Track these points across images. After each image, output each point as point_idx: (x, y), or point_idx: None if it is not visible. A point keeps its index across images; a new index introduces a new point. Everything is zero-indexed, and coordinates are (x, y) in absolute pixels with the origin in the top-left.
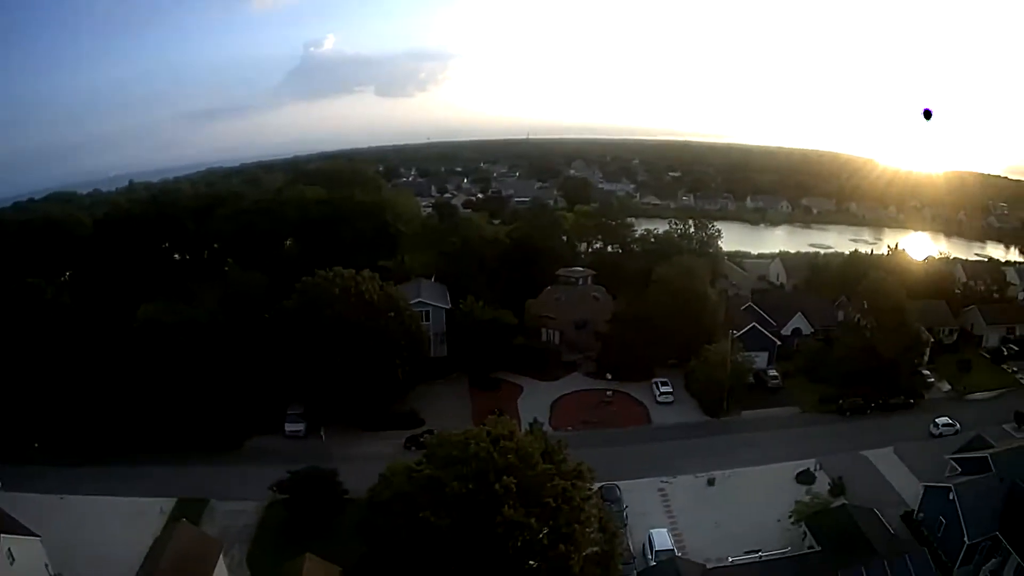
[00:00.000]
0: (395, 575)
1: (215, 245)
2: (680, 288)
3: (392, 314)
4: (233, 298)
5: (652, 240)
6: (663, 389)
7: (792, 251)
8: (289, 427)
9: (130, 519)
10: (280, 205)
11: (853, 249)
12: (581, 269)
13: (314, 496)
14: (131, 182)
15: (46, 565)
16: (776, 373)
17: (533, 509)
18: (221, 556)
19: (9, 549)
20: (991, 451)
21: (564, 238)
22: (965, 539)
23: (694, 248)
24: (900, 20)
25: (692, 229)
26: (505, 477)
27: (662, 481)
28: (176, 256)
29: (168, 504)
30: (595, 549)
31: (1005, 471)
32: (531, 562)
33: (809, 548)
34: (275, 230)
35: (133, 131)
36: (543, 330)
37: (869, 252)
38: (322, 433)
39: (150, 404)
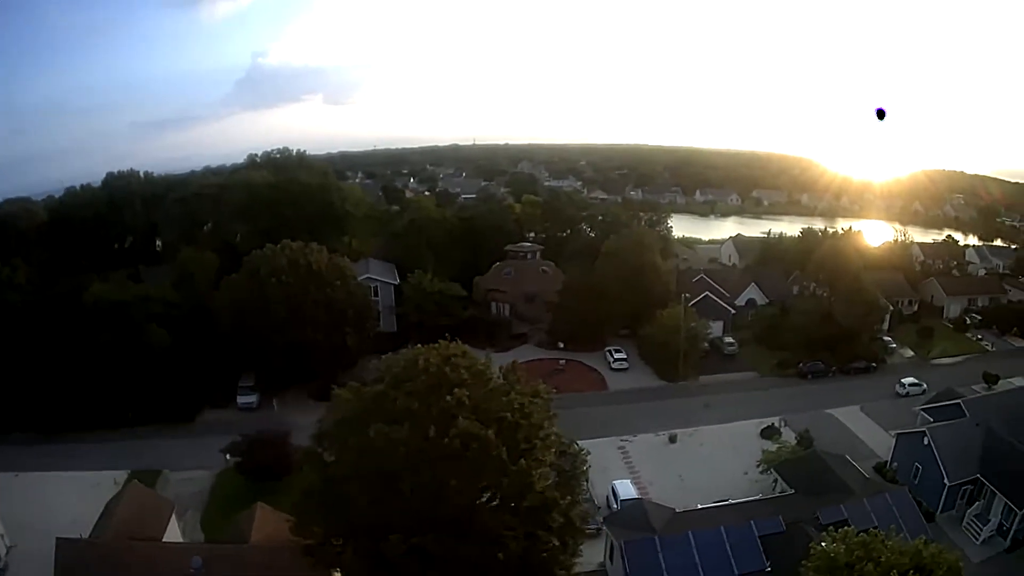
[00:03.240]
0: (343, 502)
1: (166, 230)
2: (630, 257)
3: (339, 282)
4: (184, 278)
5: (600, 218)
6: (617, 356)
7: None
8: (241, 399)
9: (84, 491)
10: (227, 190)
11: (806, 227)
12: (529, 244)
13: (265, 457)
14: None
15: (1, 536)
16: (732, 340)
17: (489, 424)
18: (174, 516)
19: None
20: (963, 399)
21: (514, 219)
22: (945, 481)
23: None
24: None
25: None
26: (457, 390)
27: (622, 440)
28: (128, 240)
29: (122, 476)
30: (558, 468)
31: (980, 417)
32: (490, 478)
33: (781, 493)
34: (224, 213)
35: (82, 143)
36: (493, 304)
37: (823, 230)
38: (275, 404)
39: (102, 381)
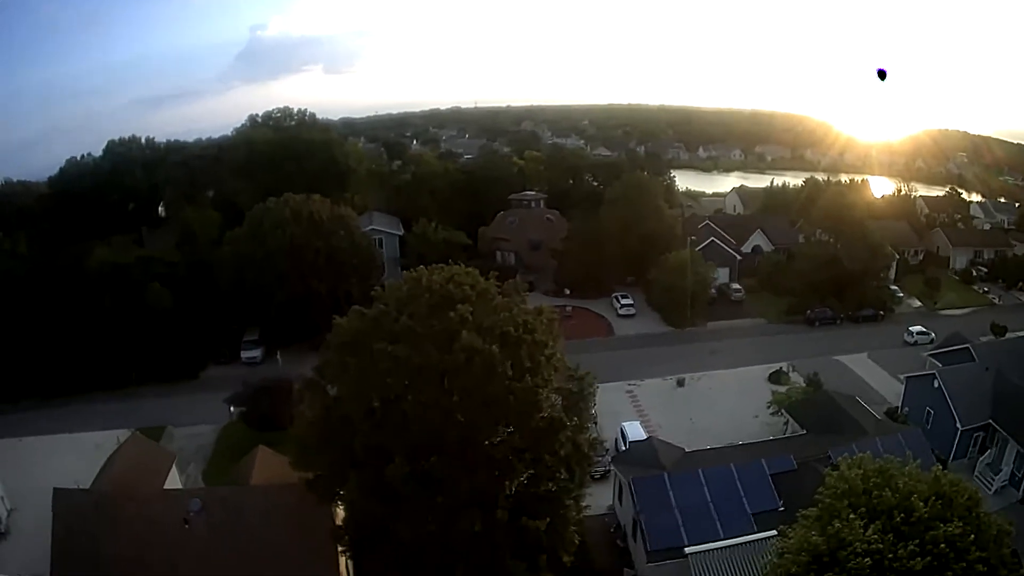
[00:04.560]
0: (345, 428)
1: (168, 192)
2: (634, 203)
3: (342, 232)
4: (187, 237)
5: (604, 166)
6: (623, 302)
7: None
8: (245, 354)
9: (87, 452)
10: (227, 150)
11: (809, 175)
12: (533, 193)
13: (269, 405)
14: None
15: (2, 499)
16: (739, 287)
17: (493, 340)
18: (175, 468)
19: None
20: (972, 344)
21: (516, 171)
22: (958, 425)
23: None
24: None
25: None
26: (460, 306)
27: (629, 384)
28: (131, 206)
29: (125, 435)
30: (564, 391)
31: (989, 361)
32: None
33: (792, 434)
34: (225, 173)
35: (83, 124)
36: (498, 252)
37: (827, 179)
38: (279, 357)
39: (105, 343)
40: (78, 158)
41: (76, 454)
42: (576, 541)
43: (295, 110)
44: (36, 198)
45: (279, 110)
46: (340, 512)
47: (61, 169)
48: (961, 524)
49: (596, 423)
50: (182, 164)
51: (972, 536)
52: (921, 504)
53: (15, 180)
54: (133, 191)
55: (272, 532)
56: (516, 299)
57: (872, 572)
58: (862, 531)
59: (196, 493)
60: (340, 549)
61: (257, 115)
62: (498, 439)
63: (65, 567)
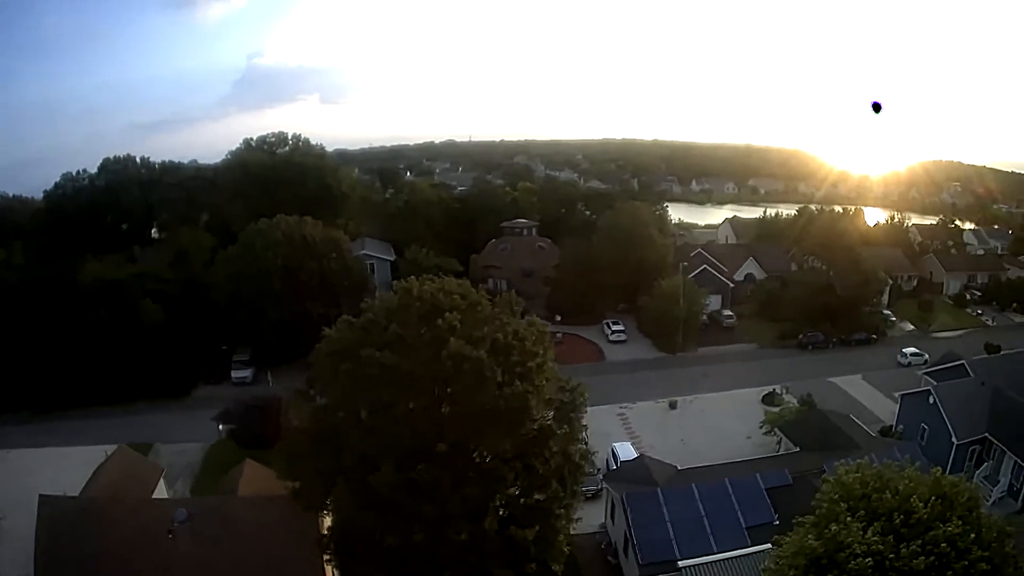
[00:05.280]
0: (333, 436)
1: (162, 213)
2: (626, 231)
3: (335, 255)
4: (180, 257)
5: (596, 195)
6: (615, 328)
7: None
8: (236, 374)
9: (75, 466)
10: (222, 172)
11: (803, 206)
12: (525, 221)
13: (258, 424)
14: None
15: None
16: (731, 313)
17: (482, 347)
18: (163, 482)
19: None
20: (967, 360)
21: (510, 201)
22: (953, 439)
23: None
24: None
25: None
26: (448, 314)
27: (621, 407)
28: (125, 226)
29: (113, 450)
30: (556, 402)
31: (985, 377)
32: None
33: (786, 451)
34: (220, 195)
35: (79, 145)
36: (489, 279)
37: (820, 208)
38: (269, 378)
39: (96, 358)
40: (74, 174)
41: (64, 467)
42: (566, 551)
43: (289, 135)
44: (32, 213)
45: (273, 135)
46: (327, 521)
47: (56, 184)
48: (962, 524)
49: (587, 442)
50: (177, 185)
51: (973, 535)
52: (921, 505)
53: (11, 195)
54: (127, 210)
55: (258, 542)
56: (507, 312)
57: (873, 573)
58: (861, 533)
59: (182, 503)
60: (326, 558)
61: (251, 139)
62: (487, 447)
63: (48, 572)
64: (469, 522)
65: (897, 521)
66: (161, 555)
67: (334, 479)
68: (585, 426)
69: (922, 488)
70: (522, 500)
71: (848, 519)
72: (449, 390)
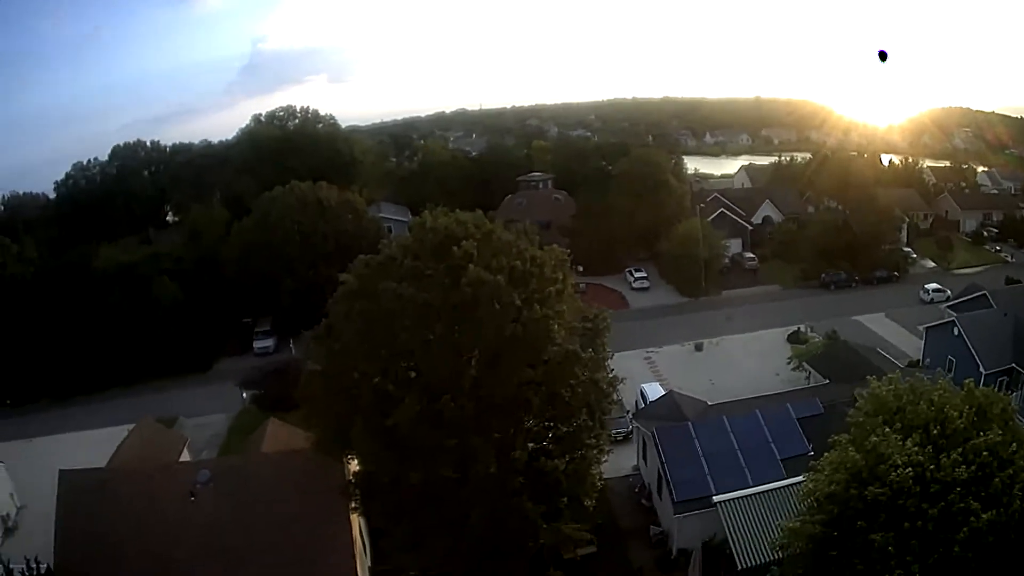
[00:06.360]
0: (351, 374)
1: (174, 192)
2: (642, 176)
3: (350, 216)
4: (194, 235)
5: (610, 146)
6: (637, 275)
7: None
8: (258, 344)
9: (98, 446)
10: (233, 147)
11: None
12: (540, 174)
13: (282, 386)
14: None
15: (11, 495)
16: (753, 256)
17: (500, 273)
18: (187, 452)
19: None
20: (989, 291)
21: (524, 155)
22: (981, 370)
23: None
24: None
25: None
26: (465, 242)
27: (647, 351)
28: (137, 210)
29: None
30: (579, 329)
31: (1008, 308)
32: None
33: (816, 384)
34: (231, 171)
35: (86, 146)
36: None
37: (835, 150)
38: (292, 347)
39: (115, 341)
40: (84, 163)
41: (87, 449)
42: (599, 485)
43: (298, 107)
44: (43, 205)
45: (283, 109)
46: (353, 469)
47: (68, 174)
48: (1001, 432)
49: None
50: (187, 165)
51: (1014, 444)
52: (956, 415)
53: (21, 193)
54: (139, 194)
55: (282, 496)
56: (524, 240)
57: (914, 484)
58: (900, 444)
59: (204, 464)
60: (352, 506)
61: (261, 115)
62: (511, 374)
63: (69, 547)
64: (496, 454)
65: (935, 432)
66: (183, 518)
67: (353, 420)
68: (611, 352)
69: (956, 399)
70: (551, 432)
71: (886, 431)
72: (468, 317)
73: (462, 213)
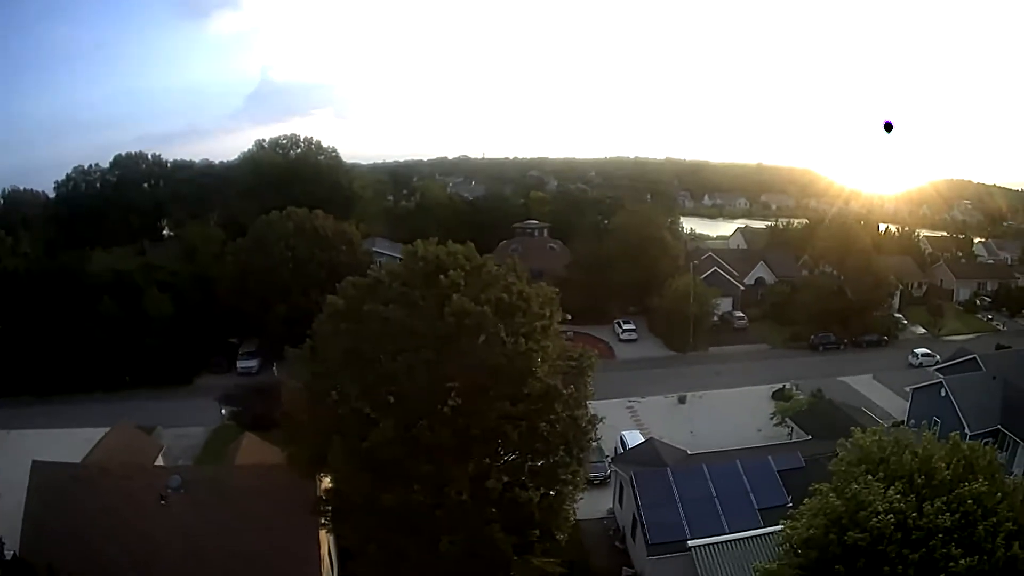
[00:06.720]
0: (333, 394)
1: (173, 209)
2: (637, 232)
3: (345, 248)
4: (189, 252)
5: (608, 200)
6: (625, 327)
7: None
8: (241, 364)
9: (75, 444)
10: (234, 170)
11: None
12: (536, 222)
13: (261, 406)
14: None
15: None
16: (743, 315)
17: (486, 305)
18: (161, 458)
19: None
20: (979, 355)
21: (521, 204)
22: (967, 431)
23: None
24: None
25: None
26: (452, 272)
27: (630, 401)
28: (134, 221)
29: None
30: (563, 368)
31: (998, 371)
32: (489, 360)
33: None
34: (230, 193)
35: (89, 156)
36: None
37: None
38: (275, 369)
39: (101, 345)
40: (85, 167)
41: (63, 447)
42: (572, 520)
43: (301, 137)
44: (43, 204)
45: (286, 137)
46: (324, 486)
47: (68, 176)
48: (986, 483)
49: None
50: (188, 181)
51: (999, 495)
52: (943, 466)
53: (22, 188)
54: (137, 205)
55: (252, 508)
56: (512, 275)
57: (895, 532)
58: (882, 492)
59: (177, 470)
60: (321, 523)
61: (264, 140)
62: (490, 406)
63: (36, 537)
64: (470, 483)
65: (919, 481)
66: (153, 521)
67: (330, 439)
68: (592, 391)
69: (942, 451)
70: (527, 464)
71: (868, 479)
72: (452, 348)
73: (454, 244)
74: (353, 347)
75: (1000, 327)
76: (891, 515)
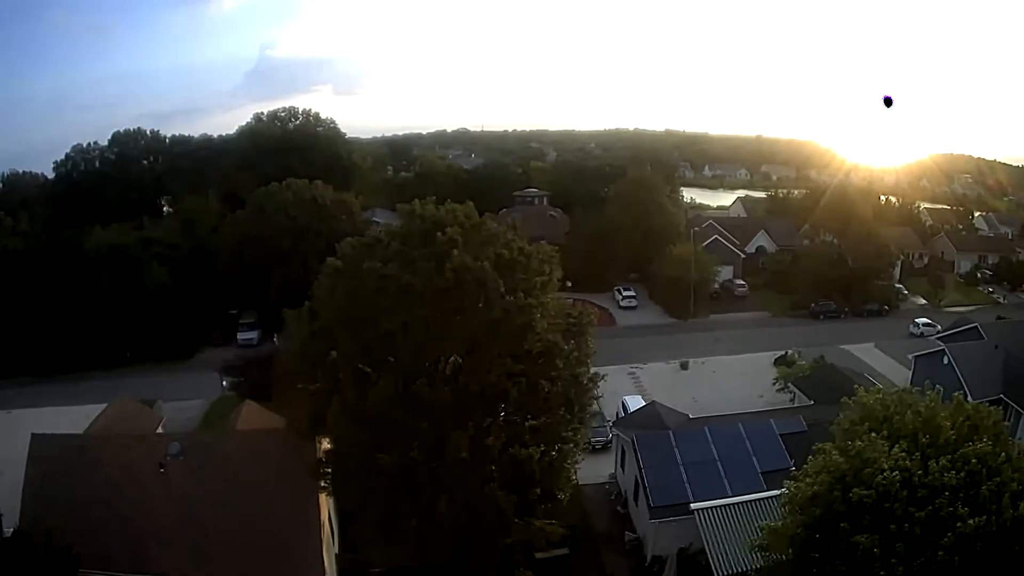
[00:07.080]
0: (330, 353)
1: (171, 183)
2: (637, 199)
3: (345, 217)
4: (187, 225)
5: (607, 168)
6: (625, 294)
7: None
8: (242, 335)
9: (75, 422)
10: (232, 142)
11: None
12: (536, 190)
13: (262, 376)
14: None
15: None
16: (743, 283)
17: (485, 261)
18: (162, 428)
19: None
20: (980, 324)
21: (520, 172)
22: (969, 399)
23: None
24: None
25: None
26: (450, 228)
27: (632, 367)
28: (133, 196)
29: None
30: (563, 326)
31: (1000, 341)
32: (489, 315)
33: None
34: (229, 166)
35: (90, 137)
36: None
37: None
38: (276, 340)
39: (101, 322)
40: (84, 146)
41: (64, 424)
42: (573, 479)
43: (300, 109)
44: (41, 184)
45: (284, 109)
46: (324, 448)
47: (67, 155)
48: (991, 443)
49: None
50: (186, 156)
51: (1004, 454)
52: (948, 425)
53: (20, 171)
54: (136, 181)
55: (252, 474)
56: (512, 232)
57: (901, 489)
58: (887, 450)
59: (177, 437)
60: (321, 485)
61: (262, 113)
62: (490, 361)
63: (35, 509)
64: (470, 441)
65: (923, 440)
66: (152, 489)
67: (329, 400)
68: (594, 350)
69: (945, 412)
70: (527, 422)
71: (872, 436)
72: (451, 303)
73: (453, 204)
74: (351, 305)
75: (1000, 300)
76: (896, 472)
